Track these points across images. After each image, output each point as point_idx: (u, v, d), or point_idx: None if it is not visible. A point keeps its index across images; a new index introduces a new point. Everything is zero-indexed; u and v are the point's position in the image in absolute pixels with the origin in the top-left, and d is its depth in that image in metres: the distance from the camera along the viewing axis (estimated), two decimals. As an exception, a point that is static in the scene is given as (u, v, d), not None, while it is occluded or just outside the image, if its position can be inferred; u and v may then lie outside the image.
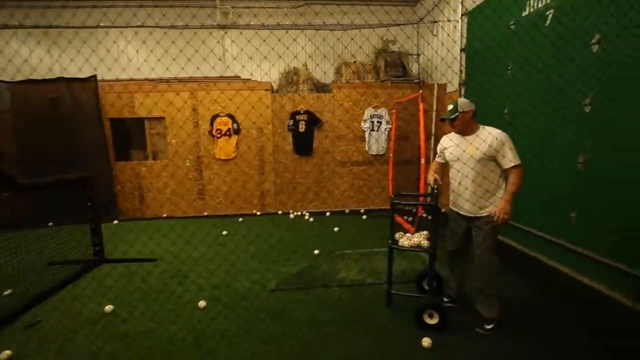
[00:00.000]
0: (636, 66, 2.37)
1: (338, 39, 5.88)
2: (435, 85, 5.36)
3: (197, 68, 5.20)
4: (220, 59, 5.98)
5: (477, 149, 2.14)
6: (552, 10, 3.20)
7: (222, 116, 5.28)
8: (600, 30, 2.65)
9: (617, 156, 2.52)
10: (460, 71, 4.91)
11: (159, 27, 5.08)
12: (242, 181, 5.46)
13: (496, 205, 2.12)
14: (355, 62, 5.62)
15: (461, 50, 4.84)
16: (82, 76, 4.85)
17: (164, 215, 5.42)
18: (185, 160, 5.39)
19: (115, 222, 5.03)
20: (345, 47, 5.88)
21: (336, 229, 4.40)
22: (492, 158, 2.14)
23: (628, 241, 2.42)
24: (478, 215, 2.19)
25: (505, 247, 3.61)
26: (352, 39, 5.94)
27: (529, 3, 3.47)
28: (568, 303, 2.54)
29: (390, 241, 2.41)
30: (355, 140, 5.56)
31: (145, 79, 5.39)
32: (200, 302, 2.55)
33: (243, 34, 5.94)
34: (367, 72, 5.55)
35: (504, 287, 2.67)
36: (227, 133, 5.32)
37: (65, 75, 4.90)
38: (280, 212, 5.53)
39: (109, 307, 2.49)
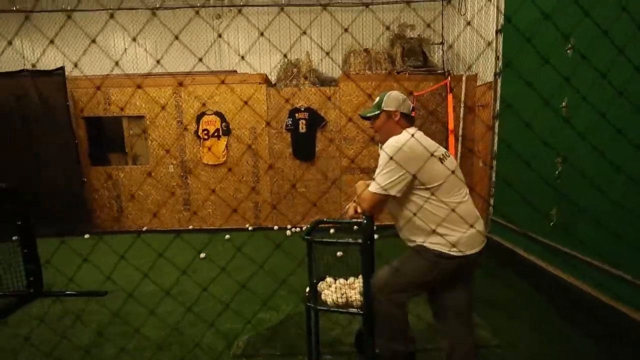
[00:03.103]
0: None
1: (352, 23, 5.05)
2: (464, 76, 4.42)
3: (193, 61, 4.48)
4: (214, 52, 5.27)
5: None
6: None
7: (209, 114, 4.53)
8: None
9: None
10: (496, 58, 3.98)
11: (140, 8, 4.40)
12: (232, 190, 4.69)
13: (420, 242, 1.39)
14: (366, 49, 4.76)
15: (497, 31, 3.92)
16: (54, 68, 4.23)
17: (144, 229, 4.71)
18: (168, 165, 4.68)
19: (87, 236, 4.36)
20: (360, 29, 5.04)
21: (339, 253, 3.54)
22: None
23: None
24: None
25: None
26: (349, 23, 5.09)
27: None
28: None
29: (307, 294, 1.66)
30: (366, 144, 4.69)
31: (127, 75, 4.73)
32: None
33: (239, 23, 5.22)
34: (380, 62, 4.68)
35: None
36: (216, 134, 4.56)
37: (32, 68, 4.28)
38: (276, 227, 4.71)
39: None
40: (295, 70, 4.83)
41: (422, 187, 1.33)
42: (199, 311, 2.43)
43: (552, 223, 3.06)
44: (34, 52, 5.18)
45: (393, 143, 1.33)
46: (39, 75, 4.23)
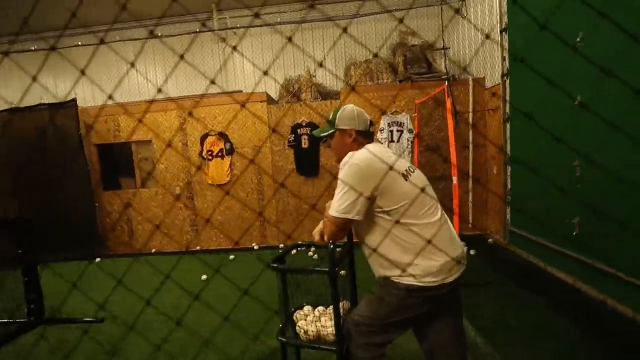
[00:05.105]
0: None
1: (351, 36, 5.03)
2: (470, 79, 4.22)
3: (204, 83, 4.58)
4: (221, 72, 5.39)
5: None
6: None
7: (212, 135, 4.57)
8: None
9: None
10: (503, 58, 3.77)
11: (146, 38, 4.58)
12: (238, 209, 4.66)
13: (387, 274, 1.21)
14: (366, 60, 4.67)
15: (501, 31, 3.72)
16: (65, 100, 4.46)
17: (152, 251, 4.74)
18: (175, 187, 4.73)
19: (98, 259, 4.43)
20: (360, 43, 4.99)
21: (342, 272, 3.36)
22: None
23: None
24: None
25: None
26: (350, 38, 5.04)
27: None
28: None
29: (281, 325, 1.50)
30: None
31: (138, 102, 4.90)
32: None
33: (243, 44, 5.34)
34: (382, 72, 4.57)
35: None
36: (219, 154, 4.58)
37: (47, 101, 4.52)
38: (282, 245, 4.60)
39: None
40: (296, 86, 4.81)
41: (385, 208, 1.17)
42: (194, 332, 2.34)
43: (574, 233, 2.76)
44: (56, 85, 5.53)
45: (348, 160, 1.18)
46: (54, 108, 4.47)
